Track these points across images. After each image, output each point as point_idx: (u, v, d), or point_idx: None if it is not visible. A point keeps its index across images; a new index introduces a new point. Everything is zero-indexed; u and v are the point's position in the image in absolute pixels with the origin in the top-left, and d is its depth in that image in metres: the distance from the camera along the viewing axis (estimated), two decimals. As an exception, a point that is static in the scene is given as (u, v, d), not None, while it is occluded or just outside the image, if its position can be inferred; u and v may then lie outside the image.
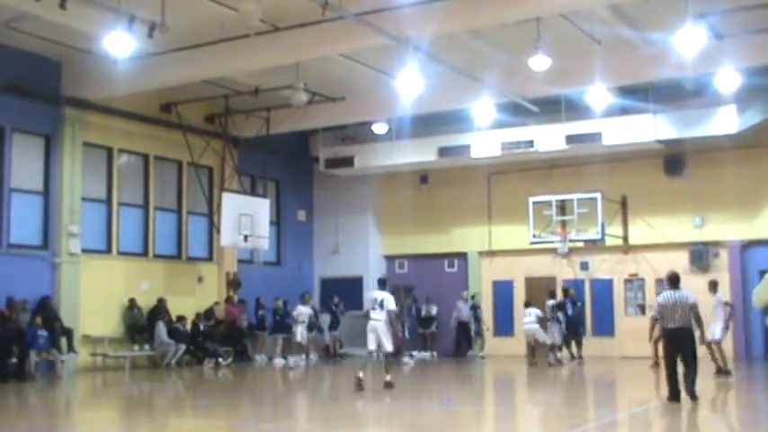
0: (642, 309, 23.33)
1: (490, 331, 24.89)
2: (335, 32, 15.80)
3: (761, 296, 15.83)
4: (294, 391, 16.88)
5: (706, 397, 12.97)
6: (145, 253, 21.55)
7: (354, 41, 16.37)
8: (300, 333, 21.28)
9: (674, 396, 12.01)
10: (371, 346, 14.48)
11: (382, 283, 15.22)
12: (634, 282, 23.64)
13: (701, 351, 12.67)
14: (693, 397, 11.96)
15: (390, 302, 14.46)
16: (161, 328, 20.18)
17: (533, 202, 22.79)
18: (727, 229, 22.35)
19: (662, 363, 13.40)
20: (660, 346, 14.32)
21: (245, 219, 21.59)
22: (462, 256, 25.79)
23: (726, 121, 20.61)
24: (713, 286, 17.17)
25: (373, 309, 14.59)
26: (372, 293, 15.09)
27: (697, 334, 12.41)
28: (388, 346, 14.47)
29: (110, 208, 20.78)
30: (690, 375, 12.04)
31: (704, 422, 11.31)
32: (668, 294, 12.20)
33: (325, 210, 27.02)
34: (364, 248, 26.48)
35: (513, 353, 24.00)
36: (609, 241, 22.99)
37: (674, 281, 12.38)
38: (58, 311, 18.58)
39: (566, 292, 22.35)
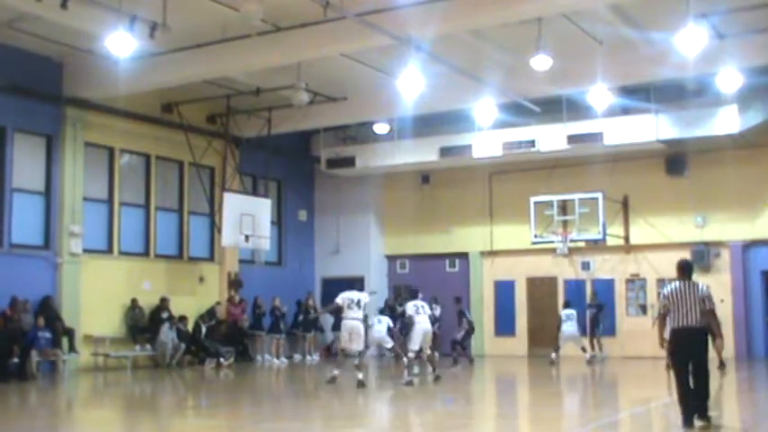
0: (644, 309, 23.34)
1: (489, 331, 24.94)
2: (337, 32, 15.80)
3: None
4: (295, 390, 16.89)
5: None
6: (146, 253, 21.55)
7: (356, 41, 16.36)
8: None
9: (691, 421, 9.59)
10: (358, 346, 15.41)
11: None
12: (636, 282, 23.63)
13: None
14: (705, 417, 9.51)
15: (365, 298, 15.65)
16: (166, 329, 20.20)
17: (535, 202, 22.81)
18: (729, 228, 22.34)
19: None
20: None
21: (247, 219, 21.59)
22: (464, 256, 25.79)
23: (727, 121, 20.61)
24: None
25: (349, 308, 15.31)
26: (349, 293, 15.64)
27: (718, 341, 10.21)
28: (360, 346, 15.39)
29: (111, 208, 20.78)
30: (700, 391, 9.60)
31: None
32: (676, 286, 9.72)
33: (326, 210, 27.02)
34: (365, 248, 26.48)
35: (514, 353, 24.05)
36: (610, 241, 23.00)
37: (684, 270, 9.89)
38: (60, 311, 18.59)
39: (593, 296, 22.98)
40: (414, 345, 15.94)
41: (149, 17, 14.67)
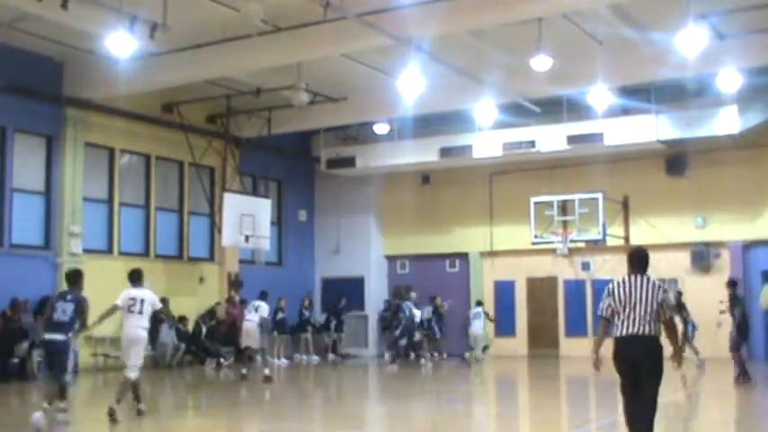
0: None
1: (489, 331, 24.93)
2: (337, 33, 15.80)
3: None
4: (296, 391, 16.88)
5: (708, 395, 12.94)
6: (146, 253, 21.55)
7: (356, 42, 16.37)
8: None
9: None
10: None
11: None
12: (636, 282, 23.60)
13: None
14: None
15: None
16: (166, 330, 20.19)
17: (535, 203, 22.79)
18: (729, 229, 22.34)
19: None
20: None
21: (247, 219, 21.59)
22: (464, 256, 25.78)
23: (727, 122, 20.61)
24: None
25: (130, 311, 11.48)
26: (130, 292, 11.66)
27: (677, 357, 7.51)
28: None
29: (111, 208, 20.79)
30: (644, 417, 7.19)
31: (705, 423, 11.28)
32: (626, 281, 7.39)
33: (326, 210, 27.02)
34: (366, 249, 26.48)
35: (514, 353, 24.05)
36: (610, 241, 22.96)
37: (637, 261, 7.48)
38: (60, 311, 18.57)
39: None
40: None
41: (149, 17, 14.67)
